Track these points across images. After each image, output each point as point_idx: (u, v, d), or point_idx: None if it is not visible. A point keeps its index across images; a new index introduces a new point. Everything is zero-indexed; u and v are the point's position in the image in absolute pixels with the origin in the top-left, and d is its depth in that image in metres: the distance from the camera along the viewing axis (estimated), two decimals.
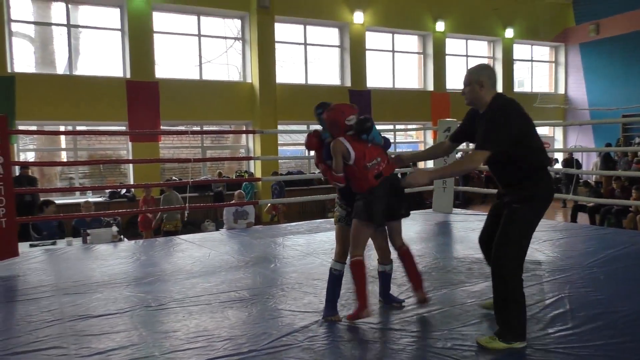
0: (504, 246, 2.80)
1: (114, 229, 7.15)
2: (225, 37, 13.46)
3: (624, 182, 10.31)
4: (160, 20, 12.36)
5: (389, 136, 16.01)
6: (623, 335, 2.91)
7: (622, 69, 16.00)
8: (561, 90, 18.22)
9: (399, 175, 3.78)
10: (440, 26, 15.52)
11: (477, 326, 3.10)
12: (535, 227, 2.91)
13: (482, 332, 3.00)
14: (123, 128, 11.84)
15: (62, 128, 11.73)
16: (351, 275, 3.18)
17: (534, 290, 3.77)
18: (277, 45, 13.23)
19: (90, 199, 10.27)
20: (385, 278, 3.51)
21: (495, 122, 2.76)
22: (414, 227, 6.84)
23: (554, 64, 18.45)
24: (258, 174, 12.72)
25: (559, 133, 18.12)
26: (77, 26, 11.85)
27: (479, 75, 2.90)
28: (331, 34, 14.56)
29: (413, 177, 2.84)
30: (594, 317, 3.19)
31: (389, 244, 3.42)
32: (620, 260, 4.61)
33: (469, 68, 3.04)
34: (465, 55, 16.74)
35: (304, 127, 13.84)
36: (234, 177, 13.03)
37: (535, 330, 3.02)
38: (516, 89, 17.62)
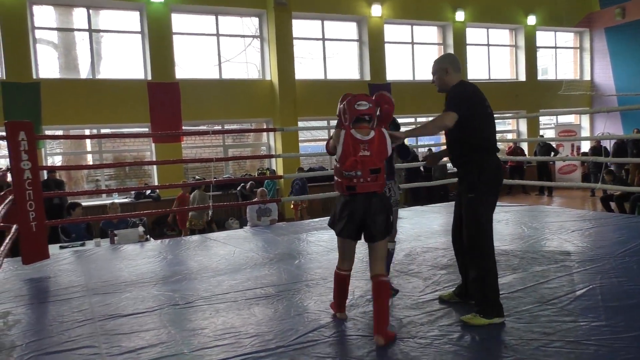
0: (471, 233, 3.09)
1: (140, 229, 7.24)
2: (244, 36, 13.50)
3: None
4: (179, 21, 12.47)
5: (409, 128, 15.90)
6: None
7: None
8: (587, 77, 17.79)
9: (391, 193, 3.58)
10: (460, 16, 15.29)
11: (506, 319, 3.04)
12: (492, 205, 3.16)
13: (511, 325, 2.95)
14: (146, 129, 11.99)
15: (87, 132, 11.94)
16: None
17: (564, 281, 3.69)
18: (295, 42, 13.21)
19: (116, 201, 10.44)
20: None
21: (457, 93, 3.15)
22: (438, 220, 6.78)
23: (578, 50, 18.02)
24: (280, 172, 12.75)
25: (585, 121, 17.72)
26: (99, 31, 12.03)
27: (443, 63, 3.25)
28: (349, 28, 14.48)
29: (394, 135, 3.06)
30: (628, 308, 3.11)
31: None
32: None
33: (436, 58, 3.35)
34: (487, 44, 16.47)
35: (324, 123, 13.80)
36: (256, 175, 13.09)
37: (567, 321, 2.96)
38: (540, 76, 17.26)
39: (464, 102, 3.09)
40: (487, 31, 16.41)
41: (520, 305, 3.26)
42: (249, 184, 11.54)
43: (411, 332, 2.93)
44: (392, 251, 3.67)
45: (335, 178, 3.02)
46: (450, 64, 3.23)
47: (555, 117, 17.86)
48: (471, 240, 3.08)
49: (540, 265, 4.14)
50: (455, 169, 3.32)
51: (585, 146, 16.04)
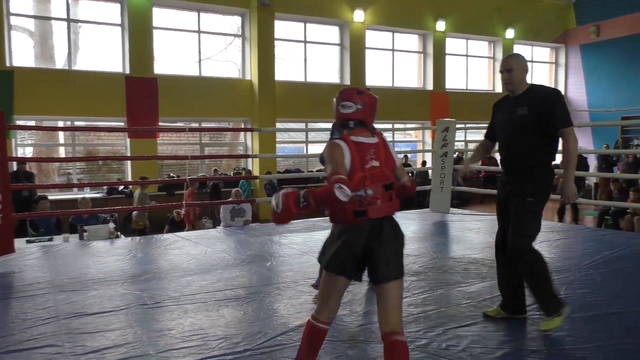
0: (522, 237, 3.00)
1: (111, 225, 7.12)
2: (225, 34, 13.42)
3: (622, 183, 10.32)
4: (160, 16, 12.33)
5: (388, 135, 16.09)
6: (620, 337, 2.90)
7: (622, 71, 15.99)
8: (561, 91, 18.22)
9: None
10: (440, 25, 15.49)
11: (472, 327, 3.09)
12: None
13: (477, 333, 2.99)
14: (121, 124, 11.80)
15: (60, 123, 11.70)
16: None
17: None
18: (276, 43, 13.20)
19: (87, 195, 10.23)
20: None
21: (562, 102, 3.10)
22: (411, 227, 6.83)
23: (554, 65, 18.44)
24: (256, 172, 12.71)
25: None
26: (77, 21, 11.81)
27: (524, 63, 3.17)
28: (331, 32, 14.53)
29: (570, 195, 2.99)
30: (591, 319, 3.18)
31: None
32: (617, 262, 4.62)
33: (509, 55, 3.28)
34: (465, 55, 16.72)
35: (302, 125, 13.81)
36: (231, 175, 13.00)
37: (532, 331, 3.02)
38: None
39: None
40: (467, 42, 16.67)
41: (481, 315, 3.30)
42: (174, 211, 9.79)
43: (379, 337, 2.94)
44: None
45: (332, 208, 2.25)
46: (526, 65, 3.20)
47: None
48: (529, 243, 3.01)
49: None
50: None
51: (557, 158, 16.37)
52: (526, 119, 3.06)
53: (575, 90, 17.76)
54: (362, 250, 2.18)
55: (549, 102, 3.05)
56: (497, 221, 3.29)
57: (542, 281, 3.02)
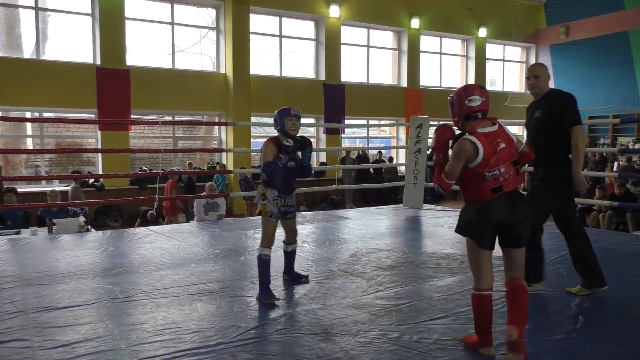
0: (574, 215, 3.80)
1: (81, 218, 6.99)
2: (199, 27, 13.27)
3: (588, 181, 10.61)
4: (132, 6, 12.10)
5: (363, 131, 16.18)
6: (582, 330, 3.01)
7: (590, 71, 16.43)
8: (574, 96, 18.58)
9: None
10: (415, 23, 15.63)
11: (443, 320, 3.16)
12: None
13: (448, 326, 3.06)
14: (92, 116, 11.58)
15: (28, 114, 11.40)
16: (473, 309, 2.79)
17: (499, 285, 3.85)
18: (252, 37, 13.12)
19: (56, 188, 10.00)
20: (289, 256, 3.97)
21: (573, 105, 3.60)
22: (383, 222, 6.91)
23: (524, 64, 18.81)
24: (230, 166, 12.63)
25: None
26: (46, 9, 11.50)
27: (547, 70, 3.73)
28: (307, 27, 14.51)
29: (578, 183, 3.56)
30: (556, 312, 3.29)
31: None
32: None
33: (535, 63, 3.90)
34: (439, 52, 16.92)
35: None
36: (205, 169, 12.89)
37: (500, 324, 3.09)
38: (488, 87, 17.86)
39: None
40: (441, 40, 16.86)
41: (457, 307, 3.38)
42: (149, 213, 9.75)
43: (352, 330, 2.98)
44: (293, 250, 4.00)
45: (467, 185, 2.66)
46: (549, 73, 3.75)
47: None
48: (575, 221, 3.74)
49: None
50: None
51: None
52: (541, 120, 3.61)
53: None
54: (500, 226, 2.61)
55: (561, 105, 3.57)
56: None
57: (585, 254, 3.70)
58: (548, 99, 3.63)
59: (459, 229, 2.73)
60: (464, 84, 3.01)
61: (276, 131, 3.80)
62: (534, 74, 3.63)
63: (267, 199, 3.57)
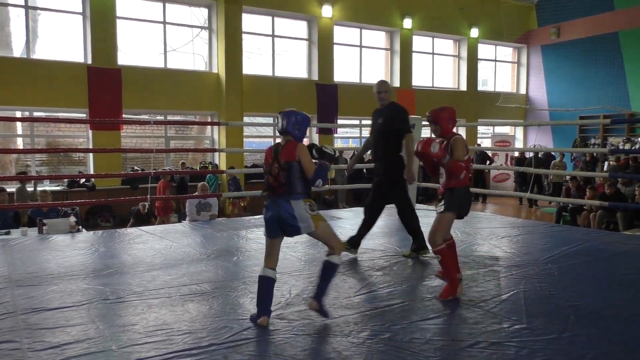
0: (405, 197, 4.88)
1: (72, 219, 6.94)
2: (192, 26, 13.22)
3: (579, 181, 10.69)
4: (124, 5, 12.03)
5: (355, 131, 16.18)
6: (573, 329, 3.02)
7: (581, 72, 16.53)
8: (522, 91, 18.70)
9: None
10: (407, 23, 15.65)
11: (435, 320, 3.16)
12: None
13: (440, 326, 3.07)
14: (83, 115, 11.50)
15: (18, 114, 11.31)
16: (441, 264, 3.63)
17: (491, 285, 3.87)
18: (244, 36, 13.09)
19: (47, 188, 9.95)
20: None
21: (407, 116, 4.72)
22: (377, 222, 6.89)
23: (516, 65, 18.90)
24: (223, 166, 12.60)
25: (519, 132, 18.62)
26: (36, 8, 11.41)
27: (391, 86, 4.83)
28: (299, 27, 14.50)
29: (409, 177, 4.66)
30: (547, 312, 3.30)
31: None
32: (574, 257, 4.79)
33: (383, 80, 4.80)
34: (431, 53, 16.96)
35: (270, 120, 13.75)
36: (197, 169, 12.85)
37: (492, 323, 3.10)
38: (480, 87, 17.97)
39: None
40: (433, 40, 16.90)
41: (449, 308, 3.39)
42: (140, 204, 9.77)
43: (344, 331, 2.98)
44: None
45: (457, 174, 3.57)
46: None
47: (492, 127, 18.66)
48: (407, 202, 4.85)
49: (471, 270, 4.32)
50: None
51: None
52: (383, 125, 4.64)
53: (536, 89, 18.26)
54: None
55: (397, 116, 4.63)
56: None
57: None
58: (390, 109, 4.65)
59: (452, 207, 3.59)
60: (449, 106, 3.80)
61: (284, 134, 3.13)
62: (384, 89, 4.65)
63: (315, 209, 3.12)
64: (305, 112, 3.17)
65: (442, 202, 3.64)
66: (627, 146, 14.50)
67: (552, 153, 14.81)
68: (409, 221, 4.77)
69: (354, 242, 4.79)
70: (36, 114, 11.33)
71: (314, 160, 3.11)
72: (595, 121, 14.08)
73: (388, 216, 7.26)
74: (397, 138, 4.61)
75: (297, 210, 3.01)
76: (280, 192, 3.03)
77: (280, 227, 3.06)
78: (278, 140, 3.33)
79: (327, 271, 3.15)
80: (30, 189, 9.52)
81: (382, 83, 4.72)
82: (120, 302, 3.46)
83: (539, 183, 14.12)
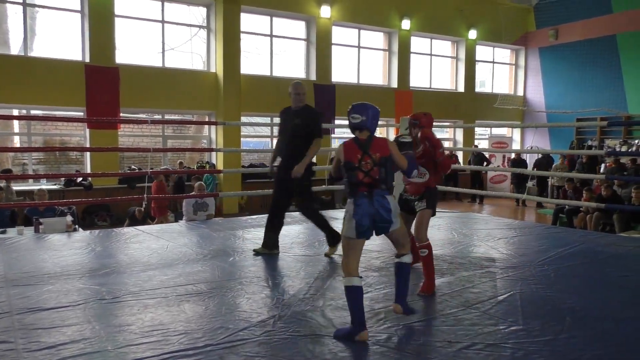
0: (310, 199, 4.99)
1: (69, 218, 6.92)
2: (190, 25, 13.19)
3: (576, 183, 10.72)
4: (122, 3, 12.00)
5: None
6: (570, 330, 3.03)
7: (578, 74, 16.55)
8: (520, 92, 18.72)
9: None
10: (406, 24, 15.66)
11: (432, 321, 3.16)
12: None
13: (436, 327, 3.06)
14: (80, 114, 11.46)
15: (15, 112, 11.26)
16: (424, 259, 3.76)
17: (487, 286, 3.88)
18: (242, 36, 13.07)
19: (44, 187, 9.92)
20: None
21: (320, 120, 4.86)
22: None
23: (514, 67, 18.92)
24: (220, 166, 12.58)
25: (517, 134, 18.64)
26: (34, 5, 11.37)
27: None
28: (298, 27, 14.49)
29: (296, 172, 4.52)
30: (543, 314, 3.30)
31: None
32: (570, 258, 4.80)
33: (300, 82, 4.81)
34: (429, 54, 16.97)
35: (267, 120, 13.74)
36: (195, 168, 12.83)
37: (488, 325, 3.11)
38: (478, 89, 17.99)
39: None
40: (431, 41, 16.91)
41: (446, 309, 3.39)
42: (136, 210, 9.69)
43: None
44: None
45: (437, 175, 3.93)
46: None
47: (489, 128, 18.68)
48: (311, 203, 4.97)
49: (467, 271, 4.33)
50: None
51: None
52: (300, 127, 4.66)
53: (534, 91, 18.28)
54: None
55: (313, 119, 4.72)
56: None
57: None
58: (306, 111, 4.72)
59: (433, 205, 3.91)
60: (425, 111, 4.07)
61: (360, 129, 3.10)
62: (303, 91, 4.72)
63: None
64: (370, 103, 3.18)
65: (422, 200, 3.87)
66: (624, 148, 14.54)
67: (551, 155, 14.84)
68: (318, 219, 4.86)
69: (271, 245, 4.87)
70: (33, 112, 11.29)
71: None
72: (592, 123, 14.10)
73: None
74: (309, 141, 4.68)
75: (392, 204, 2.96)
76: (375, 188, 2.93)
77: (373, 225, 2.92)
78: (275, 140, 3.40)
79: (403, 272, 3.15)
80: (30, 187, 9.50)
81: (300, 84, 4.78)
82: (116, 302, 3.45)
83: (542, 185, 14.10)
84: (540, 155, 14.80)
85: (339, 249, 4.12)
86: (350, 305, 2.87)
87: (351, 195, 2.97)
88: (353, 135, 3.11)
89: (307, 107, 4.80)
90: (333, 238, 4.83)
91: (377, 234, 3.00)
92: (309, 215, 4.88)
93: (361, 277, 2.95)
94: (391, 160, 3.02)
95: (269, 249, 4.85)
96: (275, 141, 14.53)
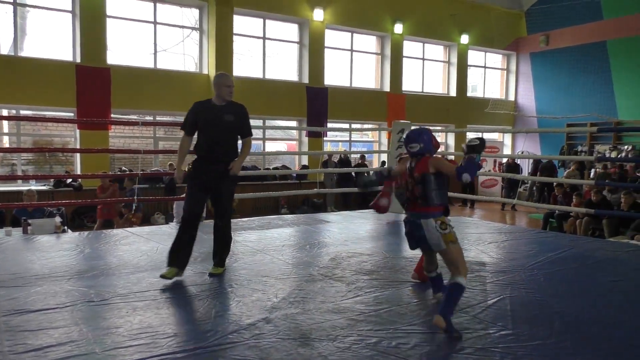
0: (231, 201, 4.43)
1: (58, 219, 6.85)
2: (182, 27, 13.16)
3: (565, 188, 10.79)
4: (114, 4, 11.95)
5: (345, 135, 16.22)
6: (559, 335, 3.04)
7: (568, 80, 16.69)
8: (511, 97, 18.85)
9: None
10: (398, 28, 15.72)
11: (422, 325, 3.16)
12: (187, 189, 4.31)
13: (426, 331, 3.06)
14: (71, 115, 11.39)
15: (4, 112, 11.16)
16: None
17: (477, 291, 3.88)
18: (235, 38, 13.06)
19: (33, 188, 9.83)
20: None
21: (248, 116, 4.36)
22: (364, 226, 6.91)
23: (505, 72, 19.05)
24: None
25: (508, 138, 18.76)
26: (25, 5, 11.30)
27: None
28: (291, 30, 14.50)
29: (238, 167, 4.17)
30: (533, 318, 3.31)
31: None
32: (560, 263, 4.82)
33: (225, 74, 4.37)
34: (422, 58, 17.04)
35: (259, 122, 13.72)
36: (187, 170, 12.75)
37: (478, 329, 3.11)
38: (469, 93, 18.09)
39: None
40: (423, 46, 16.98)
41: (436, 313, 3.38)
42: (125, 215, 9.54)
43: (330, 335, 2.97)
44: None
45: (444, 193, 3.45)
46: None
47: (481, 133, 18.78)
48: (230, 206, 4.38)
49: None
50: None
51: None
52: (232, 124, 4.20)
53: (525, 96, 18.41)
54: None
55: (243, 115, 4.29)
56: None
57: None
58: (236, 107, 4.26)
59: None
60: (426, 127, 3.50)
61: (420, 155, 3.22)
62: (232, 84, 4.26)
63: (447, 227, 3.12)
64: (420, 126, 3.53)
65: None
66: (614, 154, 14.66)
67: (554, 162, 14.87)
68: (228, 233, 4.29)
69: (181, 264, 4.07)
70: (23, 112, 11.20)
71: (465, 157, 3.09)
72: (583, 129, 14.21)
73: (376, 220, 7.28)
74: (237, 139, 4.30)
75: (426, 229, 3.13)
76: (416, 205, 3.20)
77: (415, 242, 3.28)
78: (267, 142, 3.41)
79: (453, 292, 3.10)
80: (18, 188, 9.41)
81: (229, 77, 4.32)
82: (104, 305, 3.42)
83: (542, 191, 14.07)
84: (545, 161, 14.76)
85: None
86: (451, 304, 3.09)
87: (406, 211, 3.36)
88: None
89: (235, 103, 4.29)
90: (221, 260, 4.26)
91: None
92: (224, 224, 4.24)
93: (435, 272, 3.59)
94: (432, 177, 3.17)
95: (178, 269, 4.01)
96: (263, 144, 14.42)
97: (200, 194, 4.22)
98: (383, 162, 14.60)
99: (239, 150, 4.34)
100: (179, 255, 4.03)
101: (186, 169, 4.39)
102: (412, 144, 3.23)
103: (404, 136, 3.32)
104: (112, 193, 9.41)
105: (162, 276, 3.91)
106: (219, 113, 4.18)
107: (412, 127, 3.31)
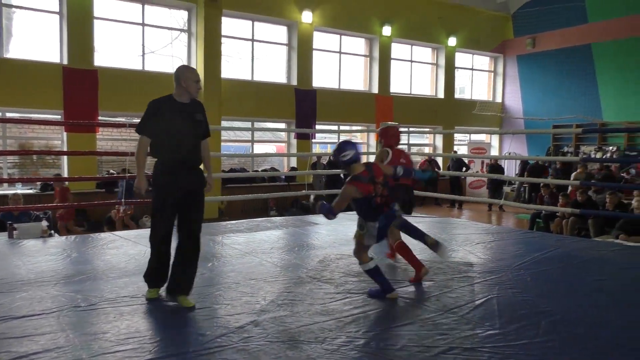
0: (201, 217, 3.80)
1: (44, 223, 6.78)
2: (171, 28, 13.10)
3: (552, 188, 10.90)
4: (102, 5, 11.86)
5: (334, 137, 16.25)
6: (545, 334, 3.07)
7: (555, 82, 16.88)
8: (499, 99, 19.00)
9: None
10: (386, 30, 15.78)
11: (410, 326, 3.18)
12: (159, 201, 3.66)
13: (415, 332, 3.08)
14: (58, 117, 11.28)
15: None
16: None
17: (465, 291, 3.91)
18: (223, 40, 13.02)
19: (19, 191, 9.73)
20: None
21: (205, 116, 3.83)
22: (352, 228, 6.90)
23: (492, 74, 19.20)
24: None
25: (495, 140, 18.90)
26: (10, 6, 11.17)
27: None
28: (279, 32, 14.49)
29: (210, 185, 3.85)
30: (520, 318, 3.35)
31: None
32: (546, 263, 4.88)
33: (191, 67, 3.84)
34: (410, 60, 17.12)
35: (248, 124, 13.71)
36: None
37: (465, 329, 3.13)
38: (457, 95, 18.20)
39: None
40: (411, 48, 17.06)
41: (424, 313, 3.41)
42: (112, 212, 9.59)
43: (319, 337, 2.98)
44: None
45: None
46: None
47: (468, 134, 18.91)
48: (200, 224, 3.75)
49: (445, 275, 4.37)
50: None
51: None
52: (201, 124, 3.73)
53: (512, 98, 18.57)
54: None
55: (204, 114, 3.79)
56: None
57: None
58: (198, 105, 3.76)
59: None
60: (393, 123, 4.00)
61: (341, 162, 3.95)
62: (200, 79, 3.75)
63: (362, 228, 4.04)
64: (344, 139, 3.87)
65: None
66: (599, 155, 14.82)
67: (554, 163, 14.95)
68: (196, 251, 3.69)
69: (160, 283, 3.71)
70: (9, 114, 11.07)
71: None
72: (568, 130, 14.35)
73: None
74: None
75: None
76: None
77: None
78: (256, 144, 3.48)
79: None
80: (4, 192, 9.30)
81: (196, 70, 3.79)
82: (91, 310, 3.39)
83: (531, 191, 14.11)
84: (533, 162, 14.84)
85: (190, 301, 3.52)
86: (376, 280, 3.75)
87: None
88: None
89: (197, 100, 3.78)
90: (189, 287, 3.61)
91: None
92: (194, 241, 3.65)
93: (372, 258, 3.83)
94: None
95: (159, 287, 3.71)
96: (251, 146, 14.36)
97: (173, 209, 3.61)
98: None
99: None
100: (159, 274, 3.66)
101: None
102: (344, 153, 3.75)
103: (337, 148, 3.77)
104: (65, 198, 9.26)
105: (147, 299, 3.61)
106: (190, 112, 3.65)
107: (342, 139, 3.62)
